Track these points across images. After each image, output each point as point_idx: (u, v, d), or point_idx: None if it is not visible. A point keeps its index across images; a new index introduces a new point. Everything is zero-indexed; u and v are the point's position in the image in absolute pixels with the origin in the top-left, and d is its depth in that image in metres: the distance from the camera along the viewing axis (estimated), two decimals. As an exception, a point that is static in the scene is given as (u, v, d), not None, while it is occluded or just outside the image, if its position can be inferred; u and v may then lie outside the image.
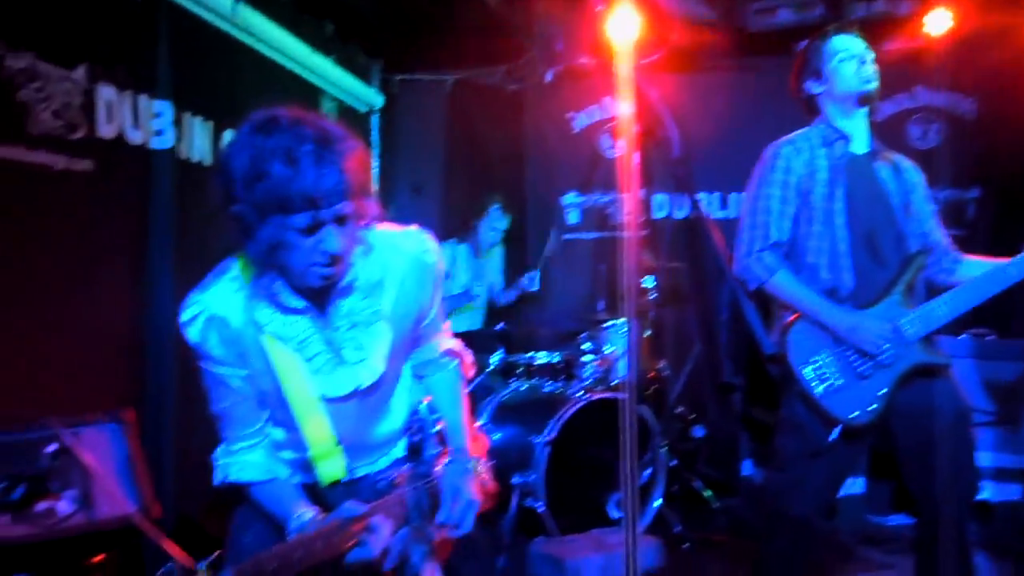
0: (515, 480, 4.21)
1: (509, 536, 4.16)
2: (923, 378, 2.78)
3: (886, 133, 3.16)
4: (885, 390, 2.74)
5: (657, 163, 5.64)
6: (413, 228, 2.08)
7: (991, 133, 5.25)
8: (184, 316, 1.89)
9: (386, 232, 2.01)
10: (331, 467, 2.00)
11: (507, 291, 5.52)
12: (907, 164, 3.00)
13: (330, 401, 1.97)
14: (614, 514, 4.36)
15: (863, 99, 2.89)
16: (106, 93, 3.05)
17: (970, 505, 2.83)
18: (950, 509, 2.74)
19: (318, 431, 1.97)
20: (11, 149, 2.65)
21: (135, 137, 3.21)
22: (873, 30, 5.18)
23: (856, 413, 2.73)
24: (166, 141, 3.35)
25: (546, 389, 4.71)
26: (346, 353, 1.96)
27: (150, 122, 3.28)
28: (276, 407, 1.99)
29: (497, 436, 4.37)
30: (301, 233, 1.72)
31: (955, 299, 2.78)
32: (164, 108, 3.34)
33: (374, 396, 2.05)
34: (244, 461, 2.01)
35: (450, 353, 2.28)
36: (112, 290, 3.11)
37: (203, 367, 1.95)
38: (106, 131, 3.06)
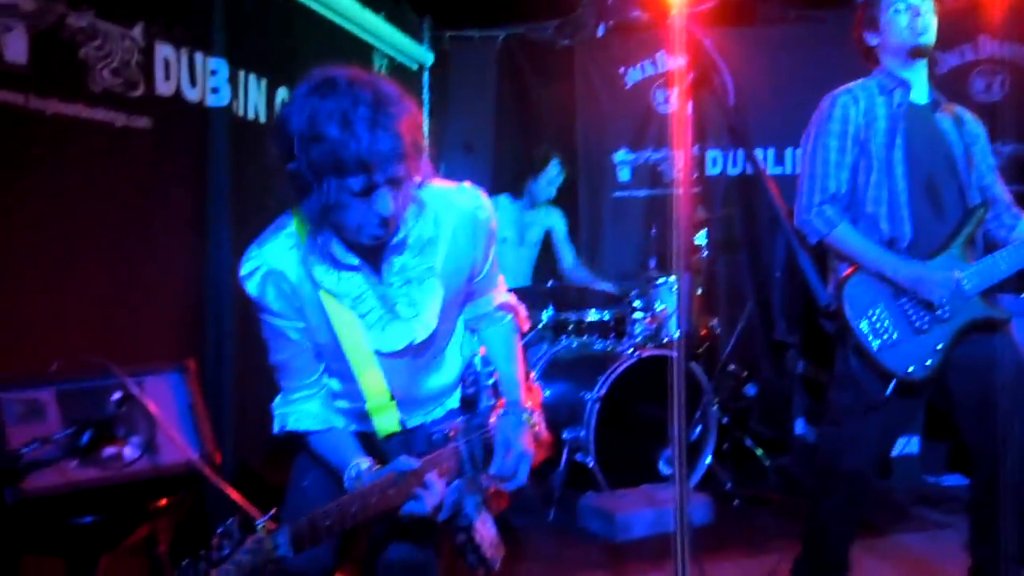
0: (565, 435, 4.25)
1: (559, 490, 4.21)
2: (981, 333, 2.74)
3: (948, 86, 3.12)
4: (941, 345, 2.71)
5: (711, 117, 5.56)
6: (465, 184, 2.09)
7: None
8: (243, 270, 1.94)
9: (439, 189, 2.02)
10: (386, 420, 2.04)
11: (577, 268, 5.48)
12: (969, 116, 2.93)
13: (384, 356, 2.00)
14: (664, 470, 4.38)
15: (915, 52, 2.84)
16: (163, 51, 3.09)
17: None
18: (1008, 466, 2.70)
19: (374, 384, 2.01)
20: (73, 106, 2.70)
21: (192, 95, 3.25)
22: (937, -22, 5.05)
23: (912, 368, 2.70)
24: (222, 98, 3.38)
25: (596, 347, 4.72)
26: (400, 309, 1.99)
27: (206, 80, 3.32)
28: (332, 359, 2.03)
29: (547, 392, 4.40)
30: (355, 195, 1.74)
31: (1015, 255, 2.74)
32: (220, 66, 3.38)
33: (427, 351, 2.08)
34: (302, 411, 2.06)
35: (505, 307, 2.30)
36: (172, 244, 3.18)
37: (262, 319, 2.00)
38: (164, 89, 3.11)
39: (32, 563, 2.37)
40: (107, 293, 2.87)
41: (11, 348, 2.49)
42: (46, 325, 2.64)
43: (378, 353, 2.00)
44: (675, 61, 1.98)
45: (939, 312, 2.70)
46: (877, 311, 2.73)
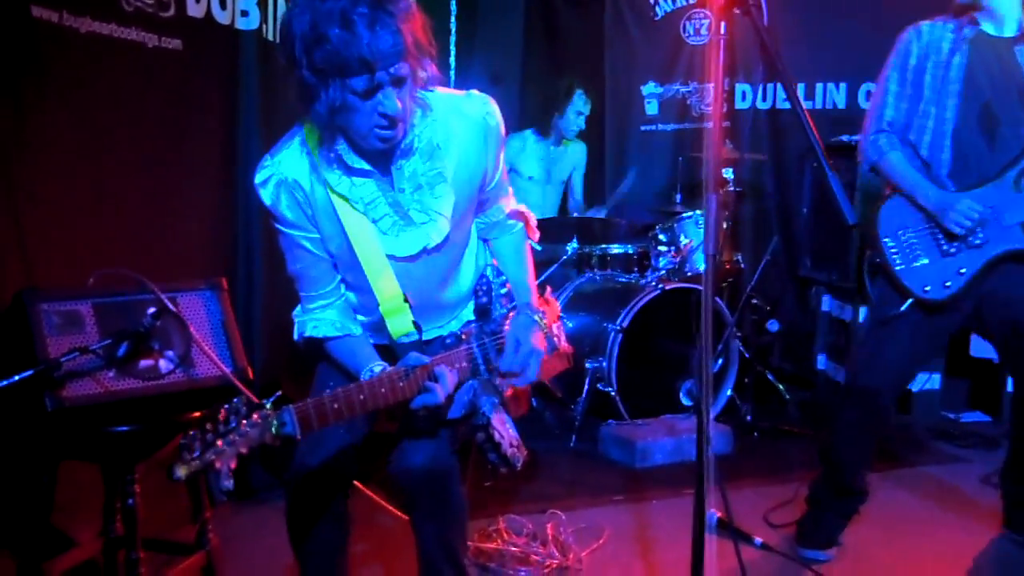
0: (588, 365, 4.30)
1: (581, 418, 4.28)
2: (1018, 264, 2.76)
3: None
4: (966, 270, 2.76)
5: (742, 50, 5.48)
6: (474, 91, 2.09)
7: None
8: (257, 179, 1.97)
9: (448, 95, 2.02)
10: (400, 322, 2.06)
11: (581, 207, 5.48)
12: None
13: (399, 260, 2.03)
14: (684, 401, 4.43)
15: None
16: (194, -27, 3.09)
17: None
18: None
19: (387, 288, 2.03)
20: (106, 25, 2.72)
21: (222, 17, 3.26)
22: None
23: (928, 287, 2.77)
24: (252, 22, 3.39)
25: (620, 279, 4.74)
26: (413, 214, 2.01)
27: (236, 2, 3.32)
28: (348, 269, 2.07)
29: (571, 324, 4.44)
30: (360, 96, 1.75)
31: None
32: (249, -12, 3.38)
33: (442, 257, 2.10)
34: (319, 318, 2.10)
35: (515, 215, 2.32)
36: (203, 164, 3.22)
37: (277, 229, 2.03)
38: (194, 11, 3.11)
39: (70, 469, 2.46)
40: (140, 210, 2.93)
41: (49, 261, 2.55)
42: (81, 240, 2.70)
43: (392, 258, 2.02)
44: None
45: (971, 238, 2.75)
46: (907, 233, 2.82)
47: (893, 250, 2.81)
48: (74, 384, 2.23)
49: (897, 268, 2.80)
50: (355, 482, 2.83)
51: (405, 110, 1.82)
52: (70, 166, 2.67)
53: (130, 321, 2.32)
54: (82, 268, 2.49)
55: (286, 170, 1.94)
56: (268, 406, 1.69)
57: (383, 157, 1.95)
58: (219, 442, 1.59)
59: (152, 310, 2.34)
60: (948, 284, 2.76)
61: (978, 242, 2.75)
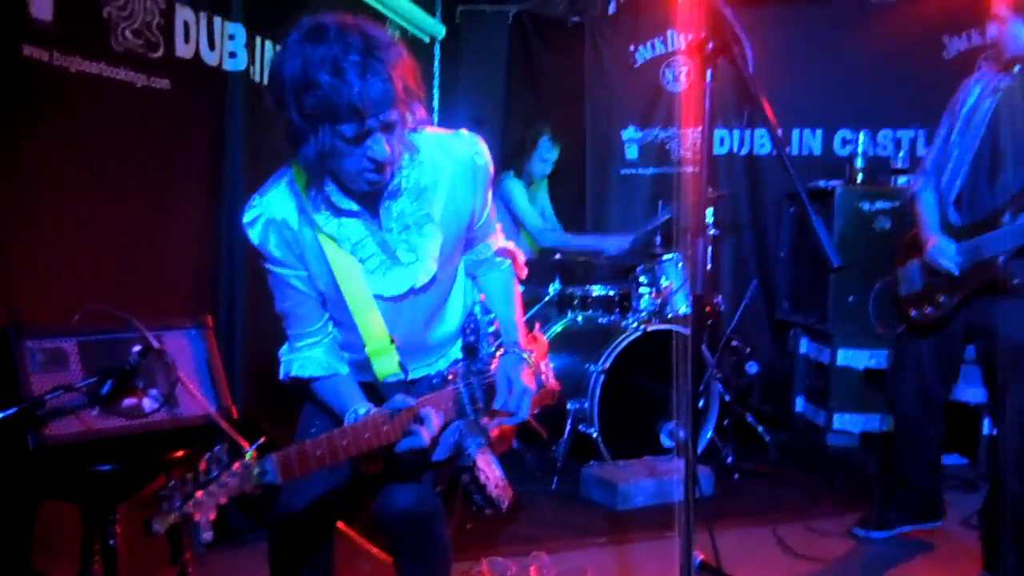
0: (570, 406, 4.31)
1: (562, 459, 4.27)
2: (992, 295, 3.03)
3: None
4: (944, 299, 3.15)
5: (719, 96, 5.59)
6: (463, 131, 2.11)
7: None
8: (245, 218, 1.97)
9: (436, 135, 2.05)
10: (386, 363, 2.07)
11: (546, 234, 5.48)
12: None
13: (386, 301, 2.04)
14: (665, 442, 4.43)
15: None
16: (184, 14, 3.13)
17: None
18: (1003, 434, 3.03)
19: (374, 328, 2.03)
20: (95, 64, 2.74)
21: (210, 58, 3.29)
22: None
23: (914, 312, 3.25)
24: (239, 63, 3.43)
25: (602, 320, 4.76)
26: (400, 254, 2.02)
27: (224, 44, 3.36)
28: (335, 308, 2.07)
29: (553, 364, 4.43)
30: (349, 142, 1.76)
31: (998, 238, 2.96)
32: (237, 31, 3.42)
33: (429, 297, 2.11)
34: (306, 357, 2.09)
35: (503, 252, 2.34)
36: (189, 203, 3.23)
37: (266, 268, 2.04)
38: (183, 51, 3.14)
39: (50, 508, 2.43)
40: (126, 247, 2.93)
41: (34, 298, 2.54)
42: (67, 276, 2.69)
43: (379, 298, 2.03)
44: (686, 38, 2.01)
45: (956, 275, 3.10)
46: (914, 265, 3.29)
47: (901, 281, 3.33)
48: (57, 422, 2.22)
49: (902, 295, 3.32)
50: (339, 523, 2.81)
51: (394, 154, 1.83)
52: (57, 202, 2.67)
53: (115, 359, 2.32)
54: (67, 304, 2.49)
55: (274, 210, 1.95)
56: (249, 455, 1.68)
57: (371, 197, 1.96)
58: (198, 493, 1.58)
59: (138, 348, 2.33)
60: (928, 310, 3.20)
61: (957, 278, 3.08)
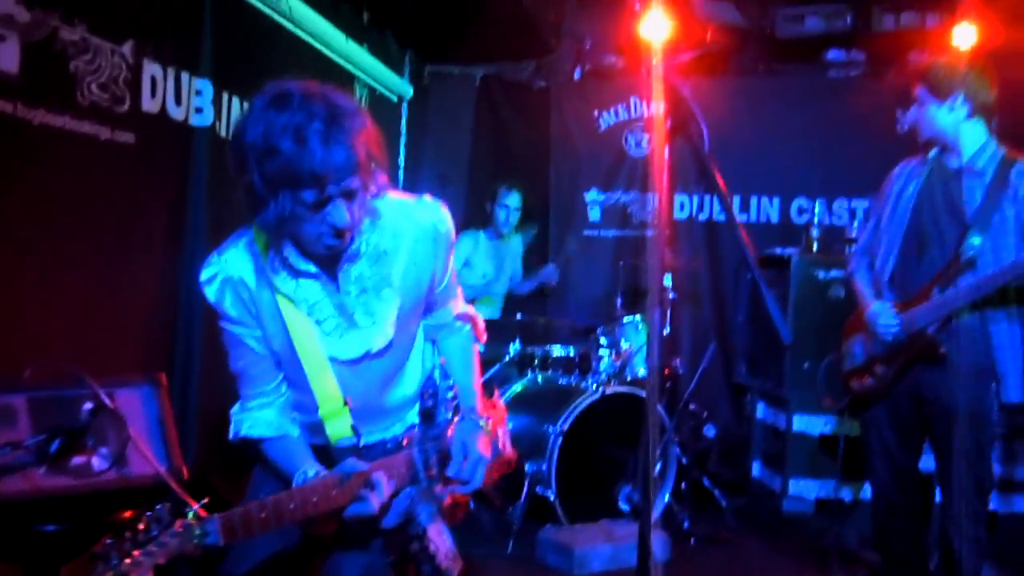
0: (527, 468, 4.28)
1: (519, 522, 4.23)
2: (924, 365, 3.18)
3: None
4: (881, 369, 3.28)
5: (680, 163, 5.70)
6: (426, 197, 2.13)
7: (1013, 148, 5.26)
8: (203, 276, 1.98)
9: (398, 200, 2.06)
10: (339, 426, 2.05)
11: (526, 280, 5.58)
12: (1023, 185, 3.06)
13: (341, 364, 2.03)
14: (623, 506, 4.42)
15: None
16: (151, 69, 3.14)
17: (973, 489, 3.13)
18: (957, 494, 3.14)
19: (328, 390, 2.02)
20: (60, 117, 2.74)
21: (176, 113, 3.30)
22: (901, 42, 5.26)
23: (855, 385, 3.37)
24: (205, 119, 3.44)
25: (561, 381, 4.77)
26: (357, 318, 2.02)
27: (191, 99, 3.37)
28: (289, 369, 2.06)
29: (511, 425, 4.42)
30: (309, 208, 1.77)
31: (929, 308, 3.13)
32: (205, 87, 3.44)
33: (386, 360, 2.10)
34: (256, 418, 2.07)
35: (463, 317, 2.34)
36: (149, 258, 3.21)
37: (221, 326, 2.03)
38: (149, 106, 3.15)
39: (-8, 569, 2.35)
40: (82, 302, 2.90)
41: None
42: (20, 330, 2.65)
43: (334, 360, 2.02)
44: (650, 107, 2.07)
45: (892, 342, 3.23)
46: (856, 340, 3.39)
47: (846, 356, 3.43)
48: (3, 480, 2.15)
49: (844, 369, 3.43)
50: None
51: (354, 220, 1.84)
52: (12, 255, 2.64)
53: (65, 416, 2.27)
54: (19, 358, 2.45)
55: (232, 269, 1.96)
56: (191, 515, 1.65)
57: (330, 260, 1.97)
58: (136, 552, 1.55)
59: (89, 406, 2.29)
60: (866, 382, 3.32)
61: (895, 348, 3.21)
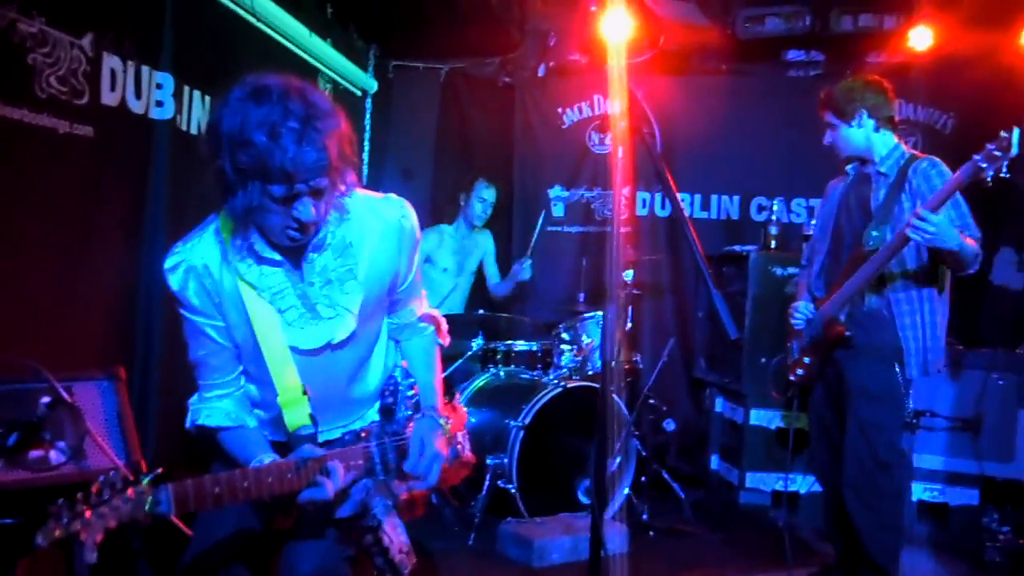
0: (489, 461, 4.32)
1: (480, 515, 4.27)
2: (841, 349, 3.47)
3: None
4: (808, 359, 3.61)
5: (642, 160, 5.76)
6: (392, 195, 2.17)
7: (966, 149, 5.35)
8: (167, 264, 1.99)
9: (366, 197, 2.10)
10: (297, 414, 2.07)
11: (503, 283, 5.59)
12: (920, 177, 3.34)
13: (302, 354, 2.06)
14: (583, 499, 4.48)
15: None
16: (111, 62, 3.12)
17: (872, 463, 3.40)
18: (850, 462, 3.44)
19: (287, 379, 2.05)
20: (17, 110, 2.72)
21: (136, 106, 3.28)
22: (859, 43, 5.36)
23: (792, 376, 3.69)
24: (166, 112, 3.43)
25: (524, 376, 4.82)
26: (320, 309, 2.05)
27: (152, 93, 3.36)
28: (250, 360, 2.08)
29: (473, 419, 4.47)
30: (277, 201, 1.82)
31: (837, 298, 3.43)
32: (165, 80, 3.42)
33: (347, 353, 2.13)
34: (214, 408, 2.10)
35: (426, 318, 2.38)
36: (108, 252, 3.19)
37: (183, 316, 2.05)
38: (109, 99, 3.13)
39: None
40: (41, 295, 2.88)
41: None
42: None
43: (295, 350, 2.05)
44: (611, 105, 2.12)
45: (804, 332, 3.61)
46: (794, 337, 3.70)
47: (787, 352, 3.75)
48: (-42, 474, 2.16)
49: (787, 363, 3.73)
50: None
51: (319, 215, 1.89)
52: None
53: (22, 410, 2.27)
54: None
55: (196, 257, 1.98)
56: (145, 483, 1.68)
57: (295, 250, 2.00)
58: (87, 512, 1.59)
59: (46, 399, 2.29)
60: (799, 372, 3.64)
61: (806, 337, 3.59)
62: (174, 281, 1.99)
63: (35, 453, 2.29)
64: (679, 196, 5.58)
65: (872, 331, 3.40)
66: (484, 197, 5.36)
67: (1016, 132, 3.00)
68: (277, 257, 1.99)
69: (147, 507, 1.67)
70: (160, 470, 1.76)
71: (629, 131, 1.86)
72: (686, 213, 5.71)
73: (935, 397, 4.53)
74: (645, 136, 1.82)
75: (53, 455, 2.32)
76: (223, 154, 1.79)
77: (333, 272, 2.04)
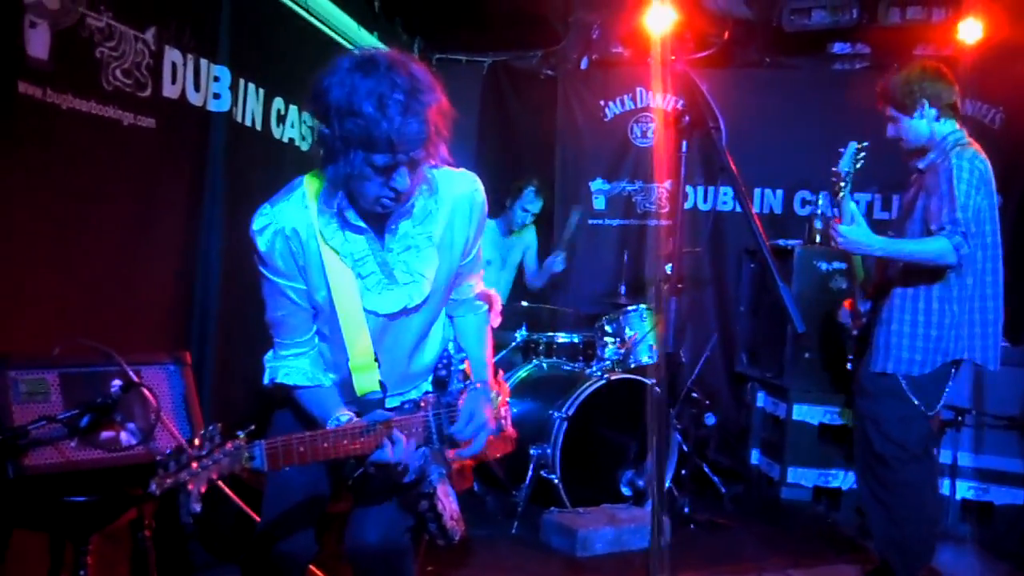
0: (532, 451, 4.37)
1: (523, 504, 4.32)
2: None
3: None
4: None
5: (697, 154, 5.75)
6: (465, 169, 2.24)
7: (1016, 144, 5.32)
8: (255, 225, 2.05)
9: (444, 169, 2.17)
10: (367, 380, 2.14)
11: (539, 275, 5.63)
12: (943, 172, 3.33)
13: (379, 317, 2.13)
14: (625, 491, 4.51)
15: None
16: (172, 56, 3.19)
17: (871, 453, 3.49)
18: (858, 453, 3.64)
19: (360, 344, 2.12)
20: (86, 102, 2.79)
21: (195, 99, 3.35)
22: (906, 36, 5.32)
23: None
24: (223, 104, 3.50)
25: (566, 368, 4.85)
26: (397, 274, 2.12)
27: (209, 85, 3.43)
28: (326, 322, 2.15)
29: (516, 409, 4.50)
30: (377, 170, 1.89)
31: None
32: (223, 73, 3.49)
33: (418, 318, 2.20)
34: (291, 366, 2.17)
35: (483, 296, 2.45)
36: (167, 240, 3.27)
37: (264, 275, 2.11)
38: (170, 91, 3.21)
39: (21, 538, 2.43)
40: (105, 280, 2.96)
41: (13, 327, 2.56)
42: (46, 307, 2.72)
43: (372, 313, 2.11)
44: (656, 98, 2.14)
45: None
46: None
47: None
48: (36, 452, 2.24)
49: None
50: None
51: (412, 186, 1.97)
52: (38, 234, 2.70)
53: (94, 392, 2.36)
54: (44, 334, 2.52)
55: (284, 220, 2.04)
56: (242, 436, 1.78)
57: (379, 218, 2.07)
58: (194, 464, 1.68)
59: (118, 382, 2.38)
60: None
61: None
62: (262, 243, 2.04)
63: (107, 434, 2.37)
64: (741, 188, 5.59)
65: (871, 327, 3.51)
66: (528, 208, 5.38)
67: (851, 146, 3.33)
68: (362, 224, 2.06)
69: (244, 460, 1.77)
70: (252, 427, 1.86)
71: (692, 127, 1.89)
72: (738, 208, 5.69)
73: (981, 395, 4.50)
74: (711, 130, 1.85)
75: (124, 436, 2.41)
76: (330, 122, 1.86)
77: (412, 239, 2.11)
